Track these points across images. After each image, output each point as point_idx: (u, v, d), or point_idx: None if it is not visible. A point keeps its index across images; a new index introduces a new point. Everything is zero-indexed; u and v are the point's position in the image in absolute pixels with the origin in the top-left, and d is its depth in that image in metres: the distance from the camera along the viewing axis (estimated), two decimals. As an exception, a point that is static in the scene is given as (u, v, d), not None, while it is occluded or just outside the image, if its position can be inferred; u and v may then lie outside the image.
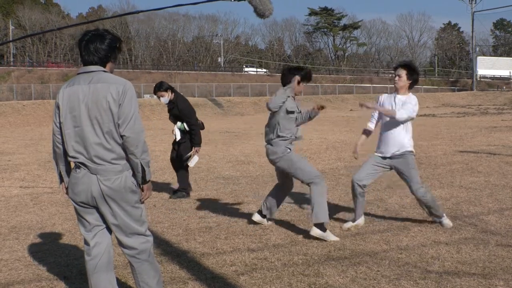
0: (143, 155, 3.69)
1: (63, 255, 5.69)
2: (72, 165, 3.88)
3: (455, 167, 11.22)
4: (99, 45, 3.77)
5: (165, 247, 5.87)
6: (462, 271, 4.85)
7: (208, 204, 8.19)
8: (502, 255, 5.27)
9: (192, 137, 8.75)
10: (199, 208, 7.97)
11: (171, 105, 8.77)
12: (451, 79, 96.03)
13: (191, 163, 8.75)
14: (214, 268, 5.12)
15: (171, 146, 9.27)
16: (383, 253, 5.45)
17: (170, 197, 8.79)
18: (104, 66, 3.81)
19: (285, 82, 6.31)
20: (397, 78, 6.36)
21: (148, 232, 3.94)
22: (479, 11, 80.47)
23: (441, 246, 5.63)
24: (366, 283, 4.60)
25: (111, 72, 3.87)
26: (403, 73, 6.33)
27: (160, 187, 9.61)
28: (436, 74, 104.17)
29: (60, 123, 3.78)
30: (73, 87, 3.76)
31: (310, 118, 6.45)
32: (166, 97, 8.74)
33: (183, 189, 8.89)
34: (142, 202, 3.86)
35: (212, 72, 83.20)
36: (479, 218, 6.82)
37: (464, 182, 9.47)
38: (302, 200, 8.26)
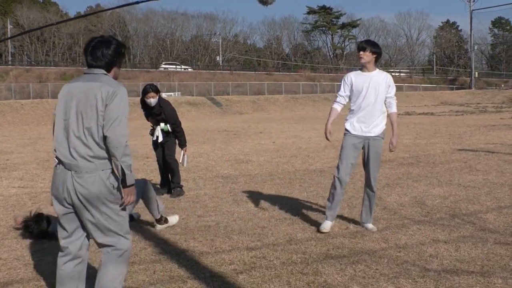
0: (124, 158, 3.72)
1: (62, 254, 5.69)
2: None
3: (453, 166, 11.23)
4: (105, 51, 3.88)
5: (163, 246, 5.87)
6: (461, 269, 4.85)
7: (207, 203, 8.19)
8: (501, 253, 5.28)
9: (178, 139, 9.01)
10: (197, 207, 7.97)
11: (159, 109, 8.85)
12: (450, 78, 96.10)
13: (185, 163, 8.93)
14: (213, 266, 5.12)
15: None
16: (381, 251, 5.45)
17: (170, 196, 8.81)
18: (109, 71, 3.92)
19: None
20: (361, 53, 6.24)
21: (127, 236, 3.98)
22: (478, 9, 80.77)
23: (439, 244, 5.63)
24: (365, 282, 4.61)
25: (116, 77, 3.98)
26: (366, 49, 6.25)
27: (157, 187, 9.60)
28: (435, 73, 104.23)
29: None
30: (73, 83, 3.93)
31: None
32: (156, 99, 8.82)
33: (178, 185, 8.95)
34: (121, 206, 3.87)
35: (210, 71, 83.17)
36: (478, 216, 6.83)
37: (463, 180, 9.48)
38: (301, 199, 8.27)
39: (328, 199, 6.49)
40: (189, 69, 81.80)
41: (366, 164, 6.40)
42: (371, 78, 6.26)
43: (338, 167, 6.38)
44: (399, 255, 5.31)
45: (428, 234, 6.06)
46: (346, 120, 6.45)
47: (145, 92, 8.88)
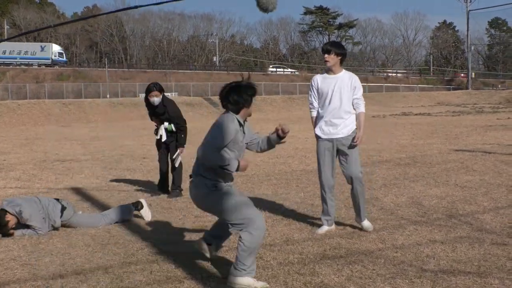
0: None
1: (58, 255, 5.68)
2: None
3: (450, 166, 11.24)
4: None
5: (160, 247, 5.87)
6: (458, 269, 4.86)
7: (204, 203, 8.18)
8: (497, 253, 5.29)
9: (179, 137, 8.91)
10: (194, 207, 7.94)
11: (162, 108, 8.80)
12: (446, 78, 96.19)
13: (177, 162, 8.89)
14: (210, 267, 5.12)
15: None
16: (378, 251, 5.45)
17: (167, 196, 8.80)
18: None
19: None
20: (326, 56, 6.25)
21: None
22: (474, 10, 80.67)
23: (436, 244, 5.64)
24: (362, 282, 4.61)
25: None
26: (331, 51, 6.25)
27: (155, 187, 9.59)
28: (431, 73, 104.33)
29: None
30: None
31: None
32: (159, 98, 8.77)
33: (178, 187, 8.92)
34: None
35: (207, 72, 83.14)
36: (475, 216, 6.83)
37: (460, 181, 9.49)
38: (298, 199, 8.27)
39: (322, 204, 6.52)
40: (296, 72, 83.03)
41: (343, 162, 6.39)
42: (337, 80, 6.29)
43: (319, 173, 6.44)
44: (396, 255, 5.31)
45: (425, 234, 6.07)
46: (315, 124, 6.44)
47: (148, 90, 8.82)
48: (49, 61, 77.27)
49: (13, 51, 76.74)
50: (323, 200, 6.45)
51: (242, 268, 4.48)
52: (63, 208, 6.75)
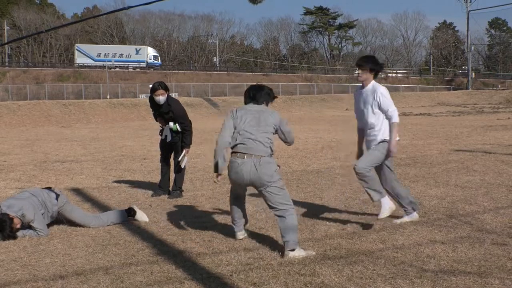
0: None
1: (59, 256, 5.68)
2: None
3: (450, 166, 11.24)
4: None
5: (161, 247, 5.87)
6: (458, 269, 4.86)
7: (204, 204, 8.19)
8: (498, 253, 5.28)
9: (185, 138, 8.80)
10: (195, 207, 7.97)
11: (167, 107, 8.71)
12: (447, 78, 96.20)
13: (183, 163, 8.82)
14: (210, 267, 5.12)
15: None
16: (379, 252, 5.45)
17: (168, 197, 8.80)
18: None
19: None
20: (359, 72, 6.50)
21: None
22: (474, 10, 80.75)
23: (436, 245, 5.63)
24: (362, 282, 4.61)
25: None
26: (364, 67, 6.47)
27: (156, 187, 9.59)
28: (432, 73, 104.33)
29: None
30: None
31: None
32: (165, 97, 8.69)
33: (179, 189, 8.91)
34: None
35: (207, 72, 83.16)
36: (475, 217, 6.83)
37: (460, 181, 9.49)
38: (298, 200, 8.26)
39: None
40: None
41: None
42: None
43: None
44: (396, 255, 5.31)
45: (425, 234, 6.06)
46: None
47: (153, 89, 8.69)
48: (144, 64, 77.92)
49: (108, 54, 77.62)
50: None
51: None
52: (57, 196, 6.83)
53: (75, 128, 34.07)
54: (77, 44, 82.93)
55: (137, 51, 79.39)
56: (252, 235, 6.24)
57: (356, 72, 6.55)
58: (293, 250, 5.33)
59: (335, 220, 6.87)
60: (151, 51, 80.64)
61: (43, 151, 17.67)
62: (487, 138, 17.38)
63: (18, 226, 6.44)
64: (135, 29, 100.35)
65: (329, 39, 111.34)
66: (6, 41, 63.55)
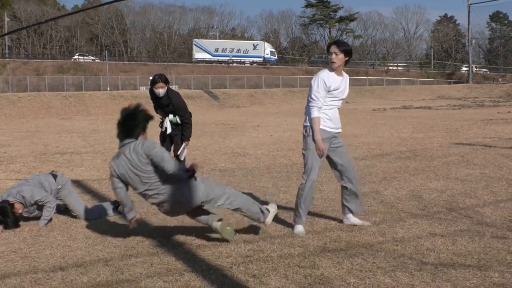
0: None
1: (59, 247, 5.69)
2: None
3: (450, 159, 11.24)
4: None
5: (161, 239, 5.88)
6: (458, 262, 4.86)
7: (204, 196, 8.18)
8: (497, 247, 5.29)
9: (184, 130, 8.78)
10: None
11: (167, 99, 8.69)
12: (447, 72, 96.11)
13: (182, 156, 8.81)
14: (210, 259, 5.12)
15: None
16: (378, 245, 5.46)
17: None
18: None
19: None
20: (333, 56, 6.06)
21: None
22: (475, 3, 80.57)
23: (436, 238, 5.64)
24: (362, 275, 4.61)
25: None
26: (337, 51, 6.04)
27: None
28: (432, 67, 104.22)
29: None
30: None
31: None
32: (165, 89, 8.67)
33: None
34: None
35: (208, 64, 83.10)
36: (475, 210, 6.84)
37: (460, 174, 9.49)
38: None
39: None
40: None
41: None
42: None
43: None
44: (396, 248, 5.32)
45: (425, 227, 6.07)
46: None
47: (153, 82, 8.66)
48: (261, 59, 78.13)
49: (226, 49, 77.94)
50: None
51: None
52: (54, 176, 6.92)
53: (75, 120, 34.06)
54: (195, 39, 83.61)
55: (255, 47, 79.96)
56: (252, 227, 6.24)
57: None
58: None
59: (335, 213, 6.88)
60: (268, 47, 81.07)
61: (43, 143, 17.68)
62: (487, 132, 17.37)
63: (20, 211, 6.48)
64: (135, 21, 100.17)
65: (329, 32, 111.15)
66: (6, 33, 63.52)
